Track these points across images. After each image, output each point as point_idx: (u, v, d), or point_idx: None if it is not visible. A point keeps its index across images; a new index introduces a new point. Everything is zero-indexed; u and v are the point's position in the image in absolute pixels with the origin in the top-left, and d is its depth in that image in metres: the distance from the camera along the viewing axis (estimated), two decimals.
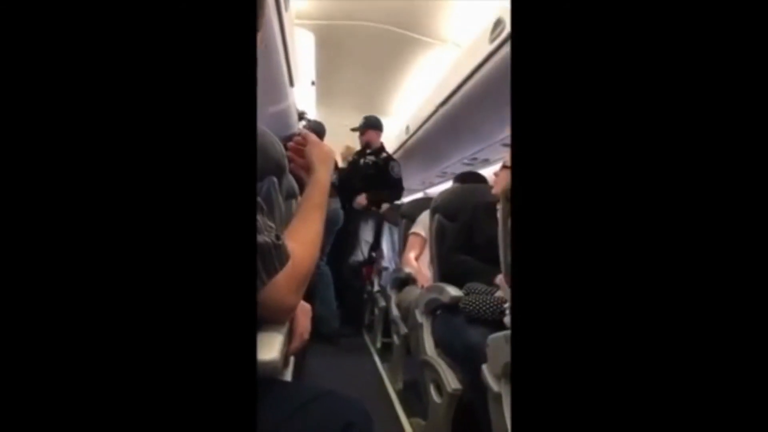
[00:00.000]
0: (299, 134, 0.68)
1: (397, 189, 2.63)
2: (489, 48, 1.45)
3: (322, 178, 0.64)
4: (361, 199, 2.54)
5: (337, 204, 2.35)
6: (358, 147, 2.77)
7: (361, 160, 2.64)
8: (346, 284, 2.58)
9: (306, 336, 0.65)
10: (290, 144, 0.69)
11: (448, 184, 2.14)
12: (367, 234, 2.60)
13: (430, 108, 2.17)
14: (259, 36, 0.54)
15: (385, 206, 2.59)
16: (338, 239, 2.56)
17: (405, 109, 2.98)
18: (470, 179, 1.88)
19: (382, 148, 2.69)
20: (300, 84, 2.15)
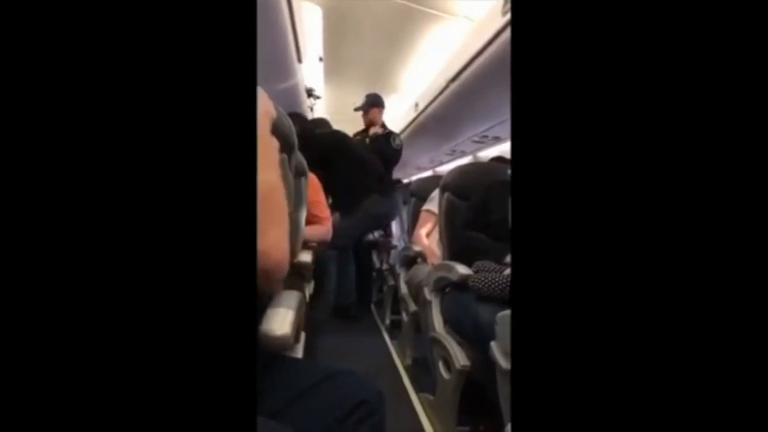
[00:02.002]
0: None
1: (396, 158, 2.67)
2: (501, 21, 1.40)
3: None
4: (377, 128, 2.64)
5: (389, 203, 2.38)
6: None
7: (366, 139, 2.66)
8: (357, 262, 2.61)
9: (329, 238, 0.62)
10: None
11: (458, 163, 2.11)
12: None
13: (440, 84, 2.13)
14: None
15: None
16: None
17: (414, 85, 2.93)
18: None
19: (383, 125, 2.72)
20: (308, 60, 2.11)
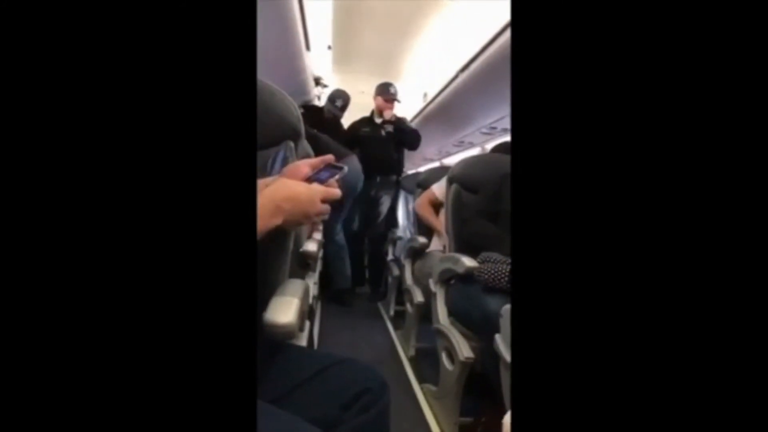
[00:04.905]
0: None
1: (417, 136, 2.61)
2: None
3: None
4: (389, 113, 2.55)
5: (355, 163, 2.25)
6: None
7: (382, 131, 2.58)
8: (371, 253, 2.68)
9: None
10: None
11: (466, 154, 2.09)
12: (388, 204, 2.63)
13: (450, 73, 2.10)
14: None
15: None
16: (363, 209, 2.60)
17: (423, 74, 2.90)
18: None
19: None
20: (317, 49, 2.09)
